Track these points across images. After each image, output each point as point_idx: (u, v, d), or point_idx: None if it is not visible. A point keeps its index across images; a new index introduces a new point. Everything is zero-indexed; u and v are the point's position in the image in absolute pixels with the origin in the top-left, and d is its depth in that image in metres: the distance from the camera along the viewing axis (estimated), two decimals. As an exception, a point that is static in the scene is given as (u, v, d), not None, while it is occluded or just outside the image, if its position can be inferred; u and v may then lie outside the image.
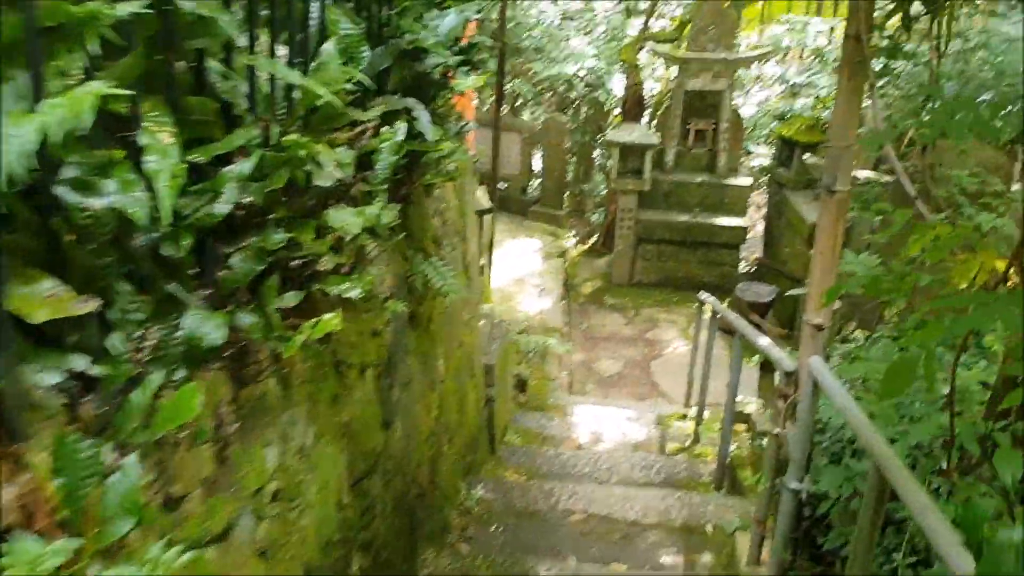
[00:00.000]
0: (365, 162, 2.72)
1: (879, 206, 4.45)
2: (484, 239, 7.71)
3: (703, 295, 6.74)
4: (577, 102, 13.37)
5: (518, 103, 13.88)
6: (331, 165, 2.07)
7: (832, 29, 10.72)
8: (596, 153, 13.64)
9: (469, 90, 10.26)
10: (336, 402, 2.60)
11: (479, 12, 3.78)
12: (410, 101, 2.91)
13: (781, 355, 3.77)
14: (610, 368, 8.77)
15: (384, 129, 2.72)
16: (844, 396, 2.77)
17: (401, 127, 2.70)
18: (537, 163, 12.92)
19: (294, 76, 2.04)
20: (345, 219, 2.18)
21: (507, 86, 12.77)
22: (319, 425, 2.46)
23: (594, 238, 12.00)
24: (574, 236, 12.52)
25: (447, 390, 4.18)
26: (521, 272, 10.66)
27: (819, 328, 3.44)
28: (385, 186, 2.67)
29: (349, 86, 2.60)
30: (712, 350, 6.41)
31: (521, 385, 7.38)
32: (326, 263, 2.14)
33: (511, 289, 10.10)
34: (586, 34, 13.13)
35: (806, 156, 9.37)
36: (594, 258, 11.54)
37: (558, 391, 8.05)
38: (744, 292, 9.40)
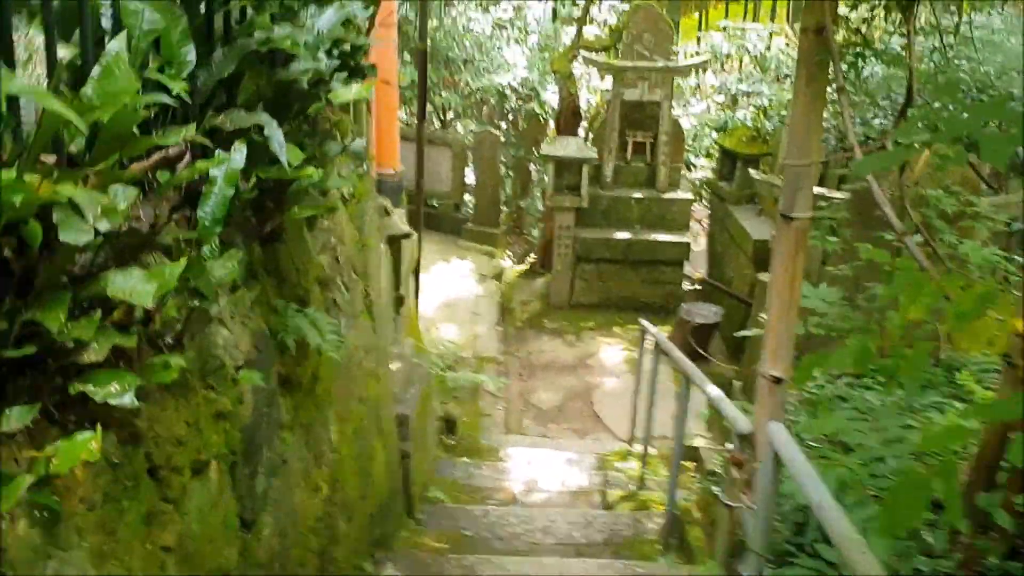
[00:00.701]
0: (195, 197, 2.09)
1: (841, 233, 3.95)
2: (407, 265, 7.08)
3: (646, 324, 6.21)
4: (511, 114, 12.85)
5: (449, 116, 13.29)
6: (93, 212, 1.43)
7: (772, 35, 10.40)
8: (533, 168, 13.12)
9: (391, 102, 9.42)
10: (153, 522, 1.94)
11: (369, 9, 3.16)
12: (263, 117, 2.28)
13: (735, 413, 3.23)
14: (549, 400, 8.19)
15: (219, 153, 2.09)
16: (812, 479, 2.22)
17: (239, 151, 2.07)
18: (471, 179, 12.34)
19: (20, 87, 1.39)
20: (130, 286, 1.54)
21: (437, 98, 12.19)
22: (120, 561, 1.80)
23: (532, 258, 11.44)
24: (511, 256, 11.96)
25: (344, 458, 3.53)
26: (453, 297, 10.04)
27: (778, 381, 2.90)
28: (219, 228, 2.03)
29: (171, 99, 1.97)
30: (656, 381, 5.89)
31: (450, 426, 6.75)
32: (94, 353, 1.49)
33: (442, 316, 9.47)
34: (518, 43, 12.63)
35: (753, 172, 8.96)
36: (532, 279, 10.98)
37: (492, 429, 7.45)
38: (689, 313, 8.93)
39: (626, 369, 8.71)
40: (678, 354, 5.07)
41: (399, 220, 6.23)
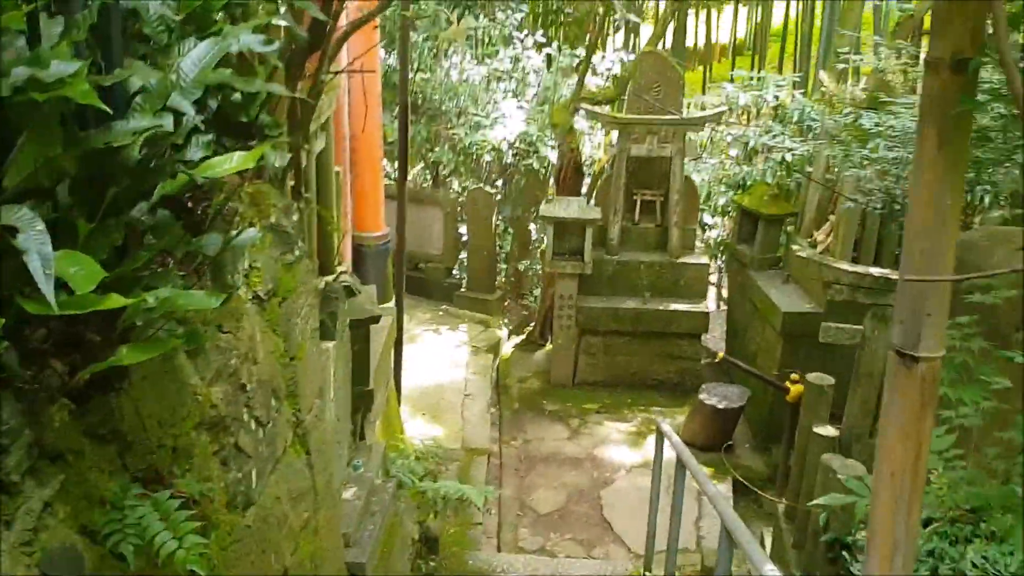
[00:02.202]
0: None
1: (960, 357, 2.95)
2: (380, 352, 6.13)
3: (665, 429, 5.20)
4: (509, 171, 12.01)
5: (442, 173, 12.46)
6: None
7: (793, 84, 9.57)
8: (533, 228, 12.24)
9: (374, 158, 8.38)
10: None
11: (273, 44, 2.25)
12: (20, 214, 1.34)
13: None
14: (550, 501, 7.14)
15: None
16: None
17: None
18: (465, 240, 11.45)
19: None
20: None
21: (428, 154, 11.38)
22: None
23: (530, 327, 10.47)
24: (508, 325, 10.99)
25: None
26: (442, 375, 9.05)
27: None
28: None
29: None
30: (683, 489, 4.86)
31: (431, 544, 5.70)
32: None
33: (428, 400, 8.47)
34: (516, 96, 11.84)
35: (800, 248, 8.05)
36: (531, 352, 9.99)
37: (483, 542, 6.40)
38: (709, 395, 7.92)
39: (639, 462, 7.68)
40: (702, 477, 4.07)
41: (368, 300, 5.28)
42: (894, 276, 4.64)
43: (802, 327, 7.80)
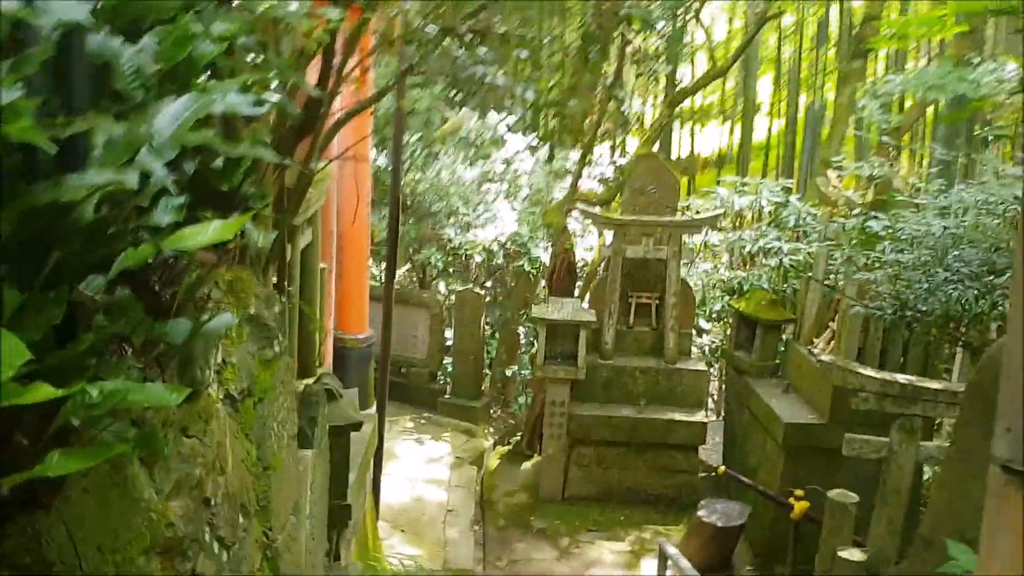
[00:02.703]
0: None
1: None
2: (361, 462, 5.73)
3: (668, 550, 4.80)
4: (499, 273, 11.86)
5: (431, 274, 12.27)
6: None
7: (786, 190, 9.57)
8: (522, 331, 11.98)
9: (360, 257, 8.10)
10: None
11: (263, 105, 2.02)
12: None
13: None
14: (540, 630, 6.60)
15: None
16: None
17: None
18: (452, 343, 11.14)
19: None
20: None
21: (417, 255, 11.22)
22: None
23: (518, 436, 10.05)
24: (494, 434, 10.57)
25: None
26: (423, 489, 8.58)
27: None
28: None
29: None
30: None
31: None
32: None
33: (408, 516, 7.98)
34: (508, 197, 11.81)
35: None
36: (518, 463, 9.54)
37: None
38: (709, 513, 7.47)
39: (636, 585, 7.17)
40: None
41: (350, 405, 4.93)
42: (927, 384, 4.35)
43: (805, 439, 7.49)
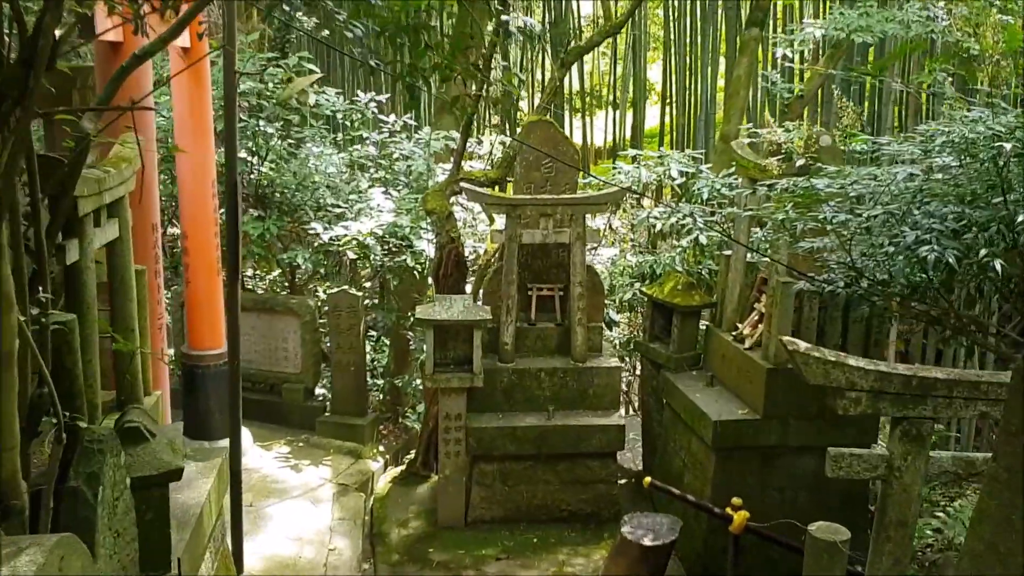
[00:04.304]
0: None
1: None
2: (200, 502, 4.56)
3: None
4: (380, 272, 10.73)
5: (301, 277, 11.04)
6: None
7: (699, 160, 8.85)
8: (411, 336, 10.91)
9: (210, 260, 6.75)
10: None
11: None
12: None
13: None
14: None
15: None
16: None
17: None
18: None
19: None
20: None
21: (280, 255, 9.99)
22: None
23: (411, 456, 8.99)
24: (384, 454, 9.46)
25: None
26: (300, 524, 7.42)
27: None
28: None
29: None
30: None
31: None
32: None
33: (281, 561, 6.80)
34: (385, 185, 10.70)
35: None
36: (413, 486, 8.49)
37: None
38: (634, 529, 6.59)
39: (555, 625, 6.23)
40: None
41: (168, 446, 3.77)
42: (936, 375, 3.44)
43: (737, 438, 6.76)
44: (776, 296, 6.37)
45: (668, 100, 20.78)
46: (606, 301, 8.78)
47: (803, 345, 3.48)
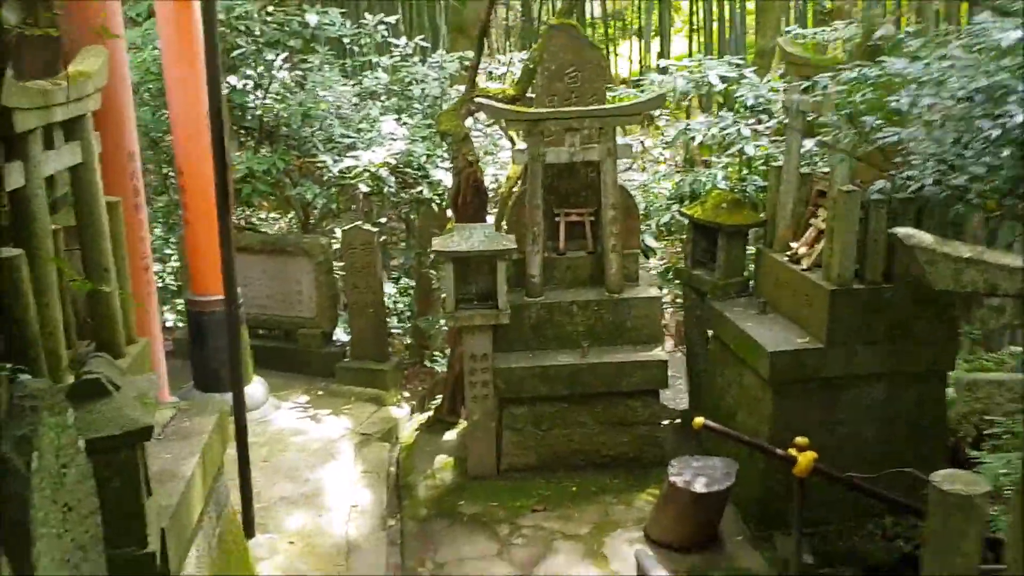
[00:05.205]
0: None
1: None
2: (195, 461, 4.07)
3: (645, 560, 3.30)
4: (400, 207, 10.14)
5: (314, 215, 10.48)
6: None
7: (740, 66, 8.06)
8: (435, 275, 10.37)
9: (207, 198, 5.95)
10: None
11: None
12: None
13: None
14: (478, 660, 5.13)
15: None
16: None
17: None
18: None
19: None
20: None
21: (288, 191, 9.43)
22: None
23: (437, 401, 8.51)
24: (409, 400, 8.99)
25: None
26: (318, 480, 6.99)
27: None
28: None
29: None
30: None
31: None
32: None
33: (298, 520, 6.38)
34: (398, 113, 10.03)
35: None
36: (440, 434, 8.02)
37: None
38: (683, 474, 6.08)
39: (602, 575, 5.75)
40: None
41: (133, 402, 3.23)
42: None
43: (797, 370, 6.13)
44: (838, 207, 5.67)
45: (695, 27, 19.82)
46: (641, 227, 8.11)
47: (927, 239, 2.82)
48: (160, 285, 9.48)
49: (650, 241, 8.60)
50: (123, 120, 5.72)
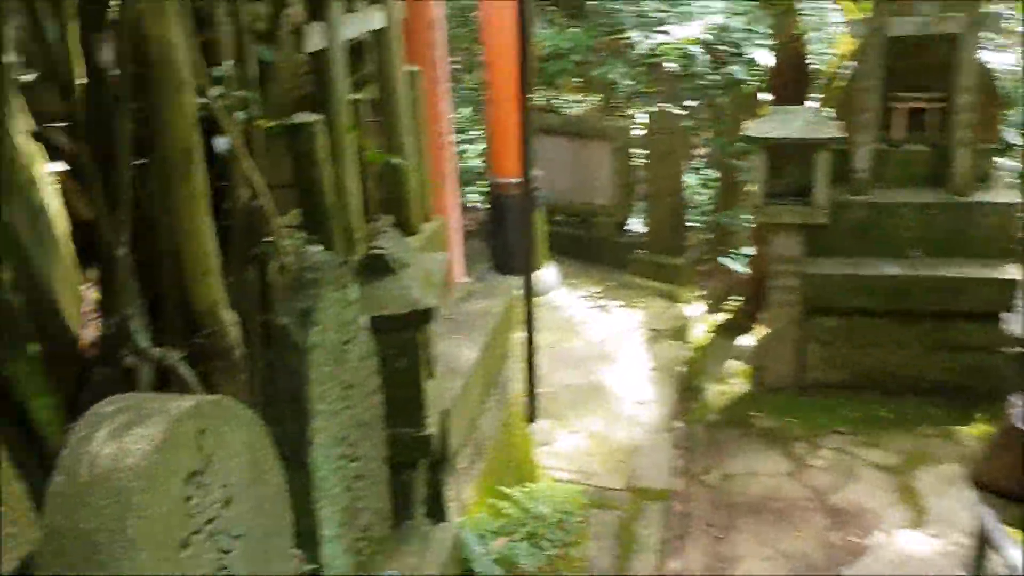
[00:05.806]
0: None
1: None
2: (478, 347, 4.04)
3: (988, 520, 2.71)
4: (707, 90, 9.45)
5: (618, 97, 10.10)
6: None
7: None
8: (744, 166, 9.65)
9: (509, 80, 6.01)
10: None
11: None
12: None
13: None
14: (761, 584, 4.79)
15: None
16: None
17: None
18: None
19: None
20: None
21: (593, 69, 9.10)
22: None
23: (735, 303, 7.99)
24: (704, 299, 8.55)
25: None
26: (605, 372, 6.87)
27: None
28: None
29: None
30: None
31: None
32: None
33: (581, 409, 6.33)
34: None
35: None
36: (734, 338, 7.55)
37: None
38: (1027, 414, 5.13)
39: (907, 520, 5.11)
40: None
41: (420, 283, 3.16)
42: None
43: None
44: None
45: None
46: (1001, 116, 6.82)
47: None
48: (465, 166, 9.70)
49: (1010, 137, 7.25)
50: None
